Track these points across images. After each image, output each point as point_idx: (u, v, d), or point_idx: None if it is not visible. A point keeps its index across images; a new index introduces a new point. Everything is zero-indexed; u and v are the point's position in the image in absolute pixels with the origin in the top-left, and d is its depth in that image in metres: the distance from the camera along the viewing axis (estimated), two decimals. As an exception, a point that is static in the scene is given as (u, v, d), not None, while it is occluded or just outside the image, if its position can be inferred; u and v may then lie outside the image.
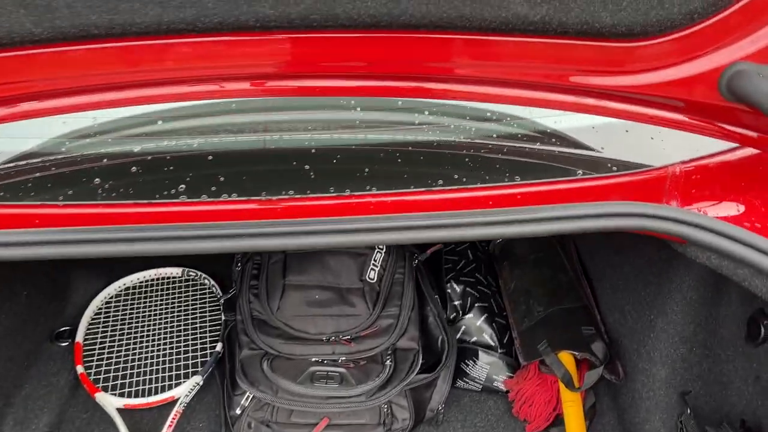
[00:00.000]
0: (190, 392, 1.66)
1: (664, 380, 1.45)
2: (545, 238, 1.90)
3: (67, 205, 1.01)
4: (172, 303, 1.93)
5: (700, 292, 1.38)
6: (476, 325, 1.72)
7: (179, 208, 1.02)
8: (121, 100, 1.00)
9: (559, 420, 1.62)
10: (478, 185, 1.04)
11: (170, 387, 1.68)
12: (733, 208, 1.14)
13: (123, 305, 1.91)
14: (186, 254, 0.98)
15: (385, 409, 1.54)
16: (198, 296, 1.95)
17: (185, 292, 1.96)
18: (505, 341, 1.71)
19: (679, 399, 1.45)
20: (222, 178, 1.03)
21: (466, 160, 1.09)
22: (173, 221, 1.00)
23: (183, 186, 1.02)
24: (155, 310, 1.90)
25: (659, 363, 1.45)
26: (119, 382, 1.70)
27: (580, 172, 1.07)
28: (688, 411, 1.40)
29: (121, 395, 1.67)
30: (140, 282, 1.98)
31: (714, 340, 1.40)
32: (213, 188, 1.02)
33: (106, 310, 1.90)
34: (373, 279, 1.63)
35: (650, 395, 1.47)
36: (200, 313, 1.90)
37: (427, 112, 1.12)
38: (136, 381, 1.71)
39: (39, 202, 1.01)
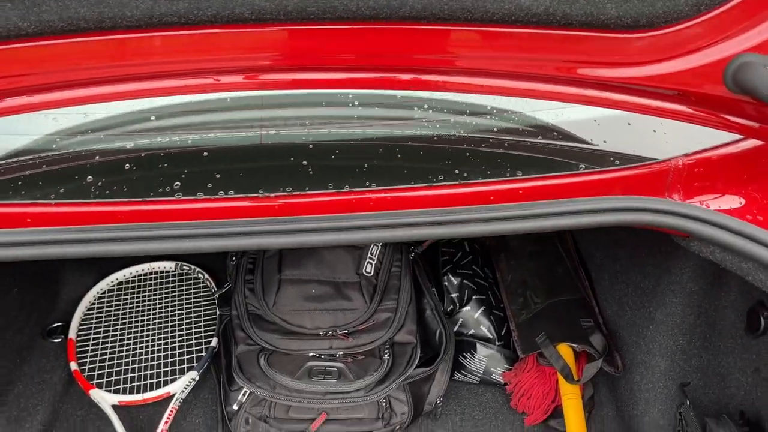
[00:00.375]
0: (186, 388, 1.65)
1: (663, 372, 1.45)
2: (542, 229, 1.89)
3: (60, 204, 0.98)
4: (166, 297, 1.90)
5: (700, 284, 1.37)
6: (474, 317, 1.71)
7: (174, 206, 0.99)
8: (111, 94, 0.97)
9: (557, 412, 1.62)
10: (480, 180, 1.02)
11: (166, 383, 1.66)
12: (735, 201, 1.13)
13: (116, 300, 1.89)
14: (182, 253, 0.96)
15: (384, 403, 1.53)
16: (192, 290, 1.93)
17: (179, 286, 1.94)
18: (503, 333, 1.70)
19: (678, 391, 1.45)
20: (218, 175, 1.01)
21: (467, 154, 1.07)
22: (169, 219, 0.98)
23: (178, 183, 1.00)
24: (149, 304, 1.88)
25: (658, 355, 1.45)
26: (114, 378, 1.68)
27: (583, 165, 1.06)
28: (688, 402, 1.40)
29: (116, 392, 1.65)
30: (133, 276, 1.95)
31: (713, 331, 1.40)
32: (209, 185, 1.00)
33: (99, 305, 1.87)
34: (369, 273, 1.61)
35: (649, 387, 1.47)
36: (195, 307, 1.87)
37: (426, 106, 1.10)
38: (131, 377, 1.69)
39: (31, 201, 0.98)
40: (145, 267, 1.96)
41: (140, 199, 0.99)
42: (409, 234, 0.98)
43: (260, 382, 1.48)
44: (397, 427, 1.55)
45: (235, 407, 1.53)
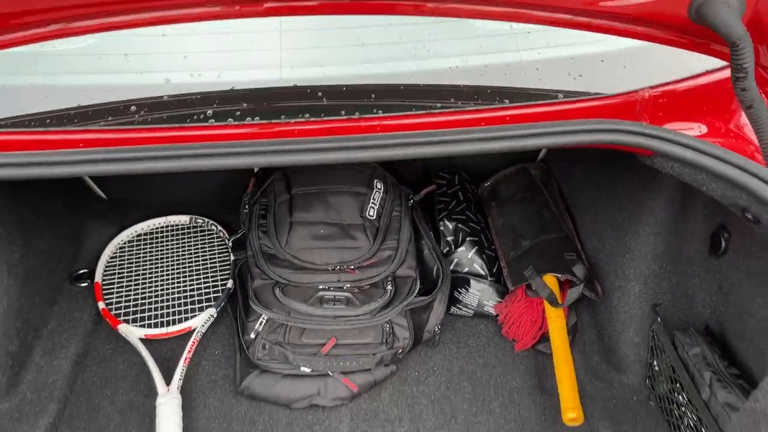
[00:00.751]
0: (205, 323, 1.80)
1: (637, 295, 1.62)
2: (530, 180, 2.05)
3: (108, 131, 1.13)
4: (183, 247, 2.06)
5: (670, 213, 1.54)
6: (468, 257, 1.87)
7: (208, 132, 1.14)
8: (137, 21, 1.07)
9: (544, 338, 1.78)
10: (472, 107, 1.17)
11: (187, 319, 1.82)
12: (695, 129, 1.29)
13: (137, 250, 2.04)
14: (216, 169, 1.10)
15: (387, 329, 1.69)
16: (207, 240, 2.08)
17: (194, 237, 2.09)
18: (494, 271, 1.86)
19: (650, 311, 1.61)
20: (245, 105, 1.16)
21: (461, 86, 1.22)
22: (203, 142, 1.13)
23: (211, 112, 1.15)
24: (167, 253, 2.03)
25: (633, 279, 1.61)
26: (138, 315, 1.84)
27: (561, 96, 1.21)
28: (659, 320, 1.56)
29: (141, 327, 1.80)
30: (151, 229, 2.10)
31: (681, 256, 1.56)
32: (238, 113, 1.15)
33: (121, 254, 2.02)
34: (372, 216, 1.76)
35: (626, 309, 1.64)
36: (210, 255, 2.03)
37: (425, 47, 1.25)
38: (155, 314, 1.84)
39: (82, 128, 1.13)
40: (161, 220, 2.11)
41: (178, 126, 1.14)
42: (411, 152, 1.13)
43: (276, 309, 1.63)
44: (400, 351, 1.71)
45: (252, 336, 1.69)
